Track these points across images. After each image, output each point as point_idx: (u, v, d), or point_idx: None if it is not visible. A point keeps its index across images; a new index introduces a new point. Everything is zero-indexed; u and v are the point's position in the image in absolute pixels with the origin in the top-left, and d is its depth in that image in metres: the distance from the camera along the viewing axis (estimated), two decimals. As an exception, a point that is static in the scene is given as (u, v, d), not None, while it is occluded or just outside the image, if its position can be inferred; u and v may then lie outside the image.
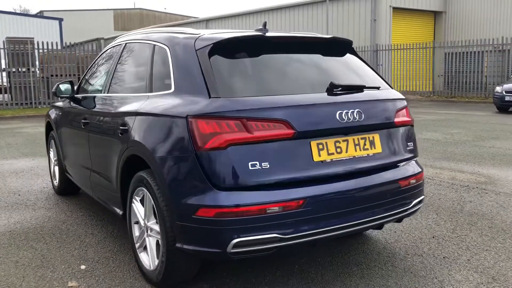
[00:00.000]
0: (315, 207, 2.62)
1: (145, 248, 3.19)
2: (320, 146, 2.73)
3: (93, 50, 18.78)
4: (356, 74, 3.20)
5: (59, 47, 18.29)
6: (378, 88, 3.16)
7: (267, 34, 3.00)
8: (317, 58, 3.16)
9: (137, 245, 3.24)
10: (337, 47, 3.31)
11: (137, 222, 3.26)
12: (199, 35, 3.06)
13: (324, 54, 3.21)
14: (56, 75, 17.48)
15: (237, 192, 2.53)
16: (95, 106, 3.98)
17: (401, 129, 3.16)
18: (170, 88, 2.99)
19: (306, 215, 2.59)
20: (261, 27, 3.30)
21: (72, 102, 4.63)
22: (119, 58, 3.90)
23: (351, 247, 3.66)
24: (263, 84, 2.84)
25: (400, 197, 2.98)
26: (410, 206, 3.06)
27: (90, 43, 26.09)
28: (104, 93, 3.95)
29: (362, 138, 2.90)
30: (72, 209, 4.85)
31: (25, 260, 3.54)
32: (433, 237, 3.86)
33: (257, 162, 2.55)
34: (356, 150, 2.86)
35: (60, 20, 35.58)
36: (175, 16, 56.06)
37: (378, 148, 2.96)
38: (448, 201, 4.89)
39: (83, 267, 3.39)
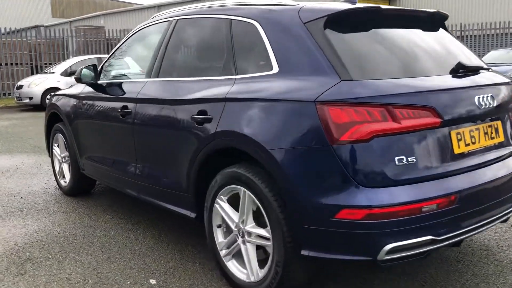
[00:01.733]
0: (464, 203, 2.29)
1: (234, 256, 2.75)
2: (459, 136, 2.40)
3: (46, 37, 17.41)
4: (462, 53, 2.89)
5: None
6: (488, 69, 2.87)
7: (382, 6, 2.62)
8: (425, 34, 2.82)
9: (222, 253, 2.79)
10: (437, 21, 2.98)
11: (220, 226, 2.82)
12: (299, 6, 2.63)
13: (426, 29, 2.87)
14: (6, 64, 16.07)
15: (388, 190, 2.14)
16: (140, 93, 3.42)
17: None
18: (270, 69, 2.55)
19: (457, 213, 2.26)
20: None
21: (94, 89, 4.02)
22: (170, 38, 3.37)
23: (438, 241, 3.38)
24: (393, 64, 2.46)
25: (525, 185, 2.73)
26: (530, 195, 2.82)
27: (30, 30, 24.14)
28: (152, 77, 3.41)
29: (489, 126, 2.59)
30: (94, 212, 4.25)
31: (77, 276, 2.98)
32: (511, 225, 3.67)
33: (404, 157, 2.18)
34: (485, 140, 2.56)
35: (-7, 5, 33.08)
36: (117, 2, 53.64)
37: (501, 137, 2.68)
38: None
39: (153, 281, 2.89)
